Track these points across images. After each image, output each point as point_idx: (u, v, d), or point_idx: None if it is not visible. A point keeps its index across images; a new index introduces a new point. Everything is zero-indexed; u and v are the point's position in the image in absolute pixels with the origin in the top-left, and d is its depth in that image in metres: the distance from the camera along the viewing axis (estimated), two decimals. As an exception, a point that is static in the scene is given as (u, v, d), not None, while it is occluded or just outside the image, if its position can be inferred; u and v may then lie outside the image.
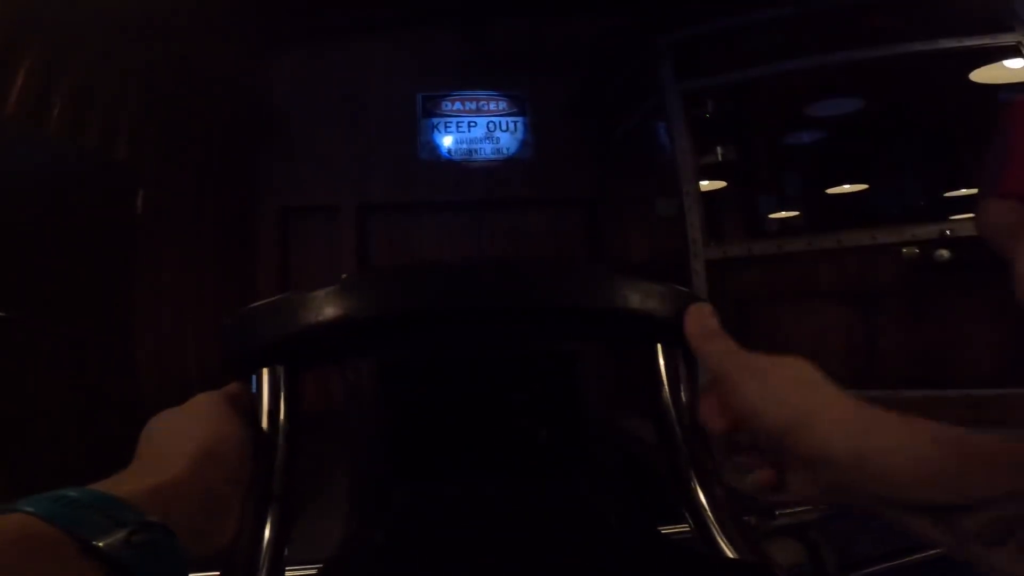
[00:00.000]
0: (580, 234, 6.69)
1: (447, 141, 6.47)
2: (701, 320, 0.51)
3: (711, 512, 0.51)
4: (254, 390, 0.53)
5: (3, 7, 3.19)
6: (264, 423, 0.52)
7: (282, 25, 6.01)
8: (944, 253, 3.42)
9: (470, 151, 6.48)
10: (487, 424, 0.73)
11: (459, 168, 6.46)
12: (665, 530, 0.72)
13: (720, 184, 5.71)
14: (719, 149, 5.33)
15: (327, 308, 0.51)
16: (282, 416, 0.52)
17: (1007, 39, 3.83)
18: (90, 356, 3.80)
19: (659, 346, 0.56)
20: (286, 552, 0.49)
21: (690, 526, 0.52)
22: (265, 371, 0.53)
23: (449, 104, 6.56)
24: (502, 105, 6.61)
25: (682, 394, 0.55)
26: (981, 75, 4.16)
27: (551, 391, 0.72)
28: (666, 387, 0.55)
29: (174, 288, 4.74)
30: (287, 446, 0.52)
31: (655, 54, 4.76)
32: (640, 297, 0.53)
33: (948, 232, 3.48)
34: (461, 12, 6.32)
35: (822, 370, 0.47)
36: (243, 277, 5.95)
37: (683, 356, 0.55)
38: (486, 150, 6.50)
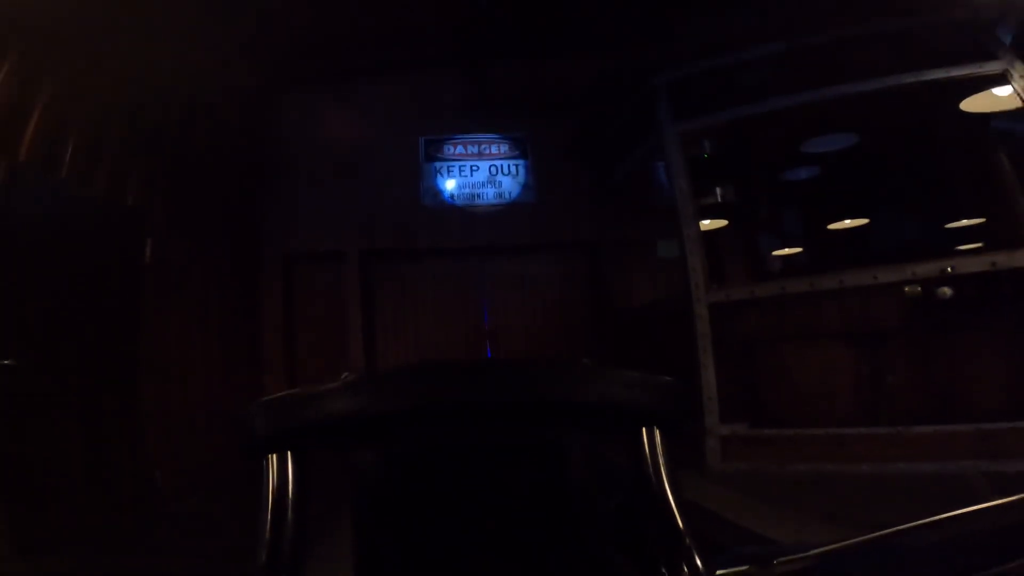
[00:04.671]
0: (583, 278, 6.72)
1: (450, 185, 6.56)
2: None
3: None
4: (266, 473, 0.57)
5: (14, 56, 3.29)
6: (270, 503, 0.56)
7: (285, 72, 6.16)
8: (946, 291, 3.44)
9: (472, 196, 6.56)
10: (484, 512, 0.76)
11: (462, 213, 6.53)
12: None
13: (721, 223, 5.77)
14: (718, 190, 5.38)
15: (330, 404, 0.56)
16: (291, 496, 0.56)
17: (994, 67, 3.89)
18: (96, 402, 3.81)
19: (643, 430, 0.62)
20: None
21: None
22: (274, 456, 0.57)
23: (451, 148, 6.67)
24: (503, 148, 6.71)
25: (663, 469, 0.60)
26: (971, 104, 4.21)
27: (541, 479, 0.76)
28: (650, 464, 0.61)
29: (179, 334, 4.78)
30: (296, 524, 0.56)
31: (652, 94, 4.85)
32: (627, 389, 0.59)
33: (950, 269, 3.50)
34: (461, 55, 6.48)
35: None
36: (248, 323, 5.98)
37: (663, 438, 0.61)
38: (488, 195, 6.58)
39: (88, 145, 3.88)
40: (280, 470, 0.57)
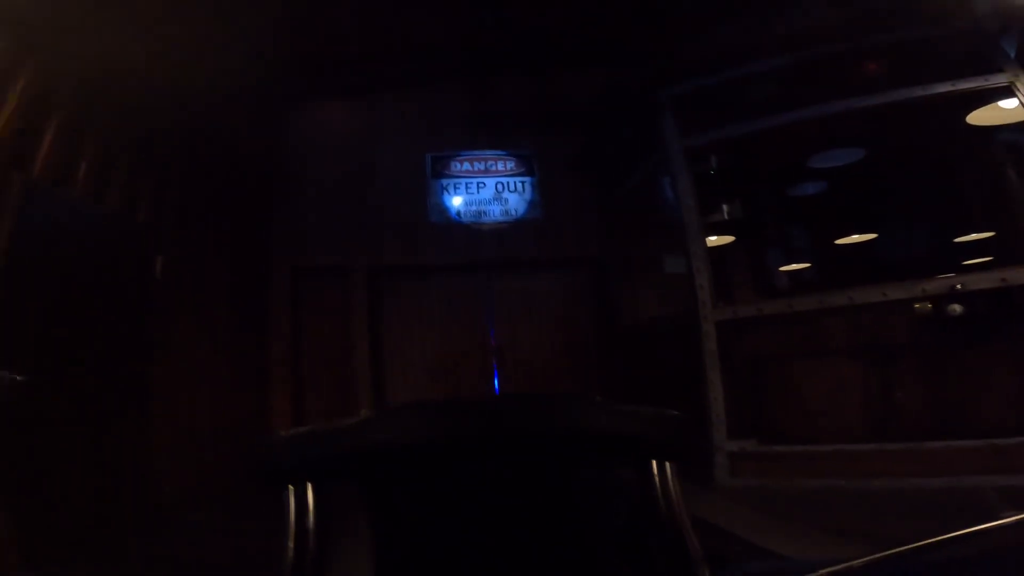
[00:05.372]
0: (589, 293, 6.71)
1: (456, 202, 6.58)
2: None
3: None
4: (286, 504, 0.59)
5: (29, 72, 3.33)
6: (292, 532, 0.57)
7: (294, 88, 6.24)
8: (956, 308, 3.42)
9: (479, 213, 6.58)
10: (495, 531, 0.77)
11: (468, 230, 6.55)
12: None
13: (728, 239, 5.75)
14: (725, 205, 5.37)
15: (349, 439, 0.57)
16: (311, 525, 0.58)
17: (999, 80, 3.89)
18: (104, 415, 3.82)
19: (653, 463, 0.63)
20: None
21: None
22: (295, 487, 0.59)
23: (458, 164, 6.70)
24: (510, 165, 6.74)
25: (673, 501, 0.61)
26: (977, 117, 4.21)
27: (550, 499, 0.77)
28: (659, 493, 0.62)
29: (188, 348, 4.80)
30: (317, 552, 0.57)
31: (657, 109, 4.86)
32: (637, 422, 0.60)
33: (959, 286, 3.48)
34: (467, 71, 6.55)
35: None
36: (255, 337, 6.00)
37: (672, 468, 0.62)
38: (495, 212, 6.60)
39: (101, 161, 3.92)
40: (300, 501, 0.59)
